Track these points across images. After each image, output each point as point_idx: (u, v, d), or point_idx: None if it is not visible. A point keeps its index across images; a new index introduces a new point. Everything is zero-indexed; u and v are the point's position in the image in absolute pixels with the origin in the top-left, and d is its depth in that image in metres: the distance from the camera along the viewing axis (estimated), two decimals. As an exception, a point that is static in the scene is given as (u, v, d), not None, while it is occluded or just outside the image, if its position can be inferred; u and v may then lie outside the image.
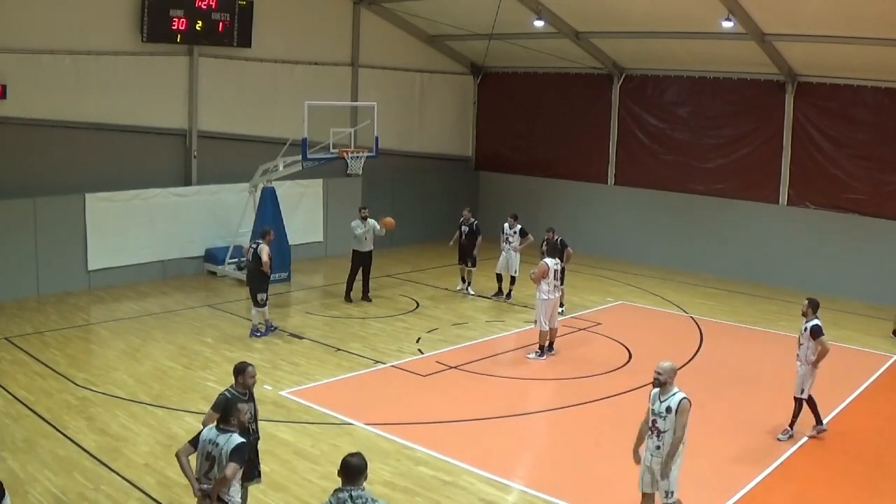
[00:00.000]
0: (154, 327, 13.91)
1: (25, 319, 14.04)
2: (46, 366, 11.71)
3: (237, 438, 5.97)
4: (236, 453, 5.91)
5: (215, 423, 6.17)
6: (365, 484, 5.20)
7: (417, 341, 13.59)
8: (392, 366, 12.32)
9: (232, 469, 5.88)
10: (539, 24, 18.05)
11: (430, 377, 11.89)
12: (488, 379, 11.99)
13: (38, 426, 9.57)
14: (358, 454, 5.24)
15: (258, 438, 7.28)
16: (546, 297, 12.85)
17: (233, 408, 6.11)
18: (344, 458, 5.20)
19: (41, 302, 15.19)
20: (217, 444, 5.97)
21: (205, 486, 6.01)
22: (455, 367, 12.28)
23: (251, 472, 7.22)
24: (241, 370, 7.08)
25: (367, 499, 5.02)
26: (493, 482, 8.58)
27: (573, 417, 10.72)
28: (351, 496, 5.00)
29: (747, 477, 8.82)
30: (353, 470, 5.11)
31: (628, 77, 20.88)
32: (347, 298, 16.10)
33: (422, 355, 12.87)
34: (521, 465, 9.47)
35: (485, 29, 18.67)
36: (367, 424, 9.95)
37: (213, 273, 17.74)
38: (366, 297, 16.25)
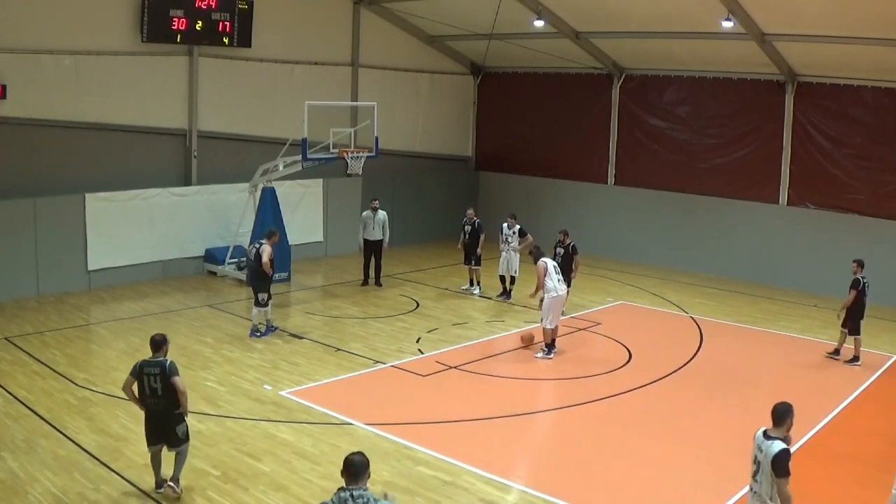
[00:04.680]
0: (154, 327, 13.80)
1: (25, 319, 14.03)
2: (46, 366, 11.71)
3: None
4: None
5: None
6: (367, 484, 5.19)
7: (417, 341, 13.59)
8: (392, 366, 12.31)
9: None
10: (539, 24, 18.05)
11: (430, 377, 11.88)
12: (488, 379, 11.99)
13: (38, 426, 9.57)
14: (359, 453, 5.23)
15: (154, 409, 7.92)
16: (555, 294, 12.81)
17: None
18: (346, 457, 5.19)
19: (41, 302, 15.18)
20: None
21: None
22: (455, 367, 12.27)
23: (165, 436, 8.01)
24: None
25: (368, 498, 4.99)
26: (493, 482, 8.57)
27: (573, 417, 10.72)
28: (352, 496, 4.97)
29: (747, 477, 8.79)
30: (354, 468, 5.10)
31: (628, 77, 20.88)
32: (364, 283, 17.35)
33: (422, 355, 12.87)
34: (521, 465, 9.47)
35: (485, 29, 18.67)
36: (367, 424, 9.95)
37: (213, 273, 17.74)
38: (377, 282, 17.31)
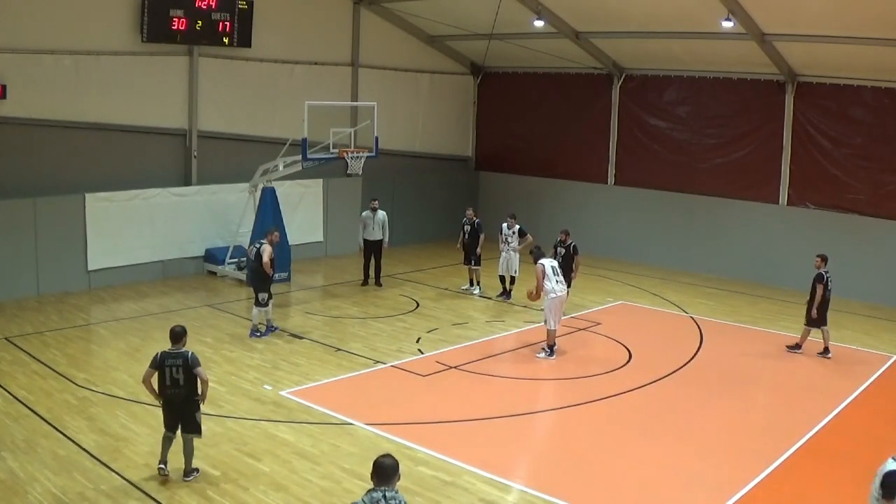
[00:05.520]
0: (154, 327, 13.88)
1: (25, 319, 14.03)
2: (46, 366, 11.71)
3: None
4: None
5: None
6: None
7: (417, 341, 13.59)
8: (392, 366, 12.31)
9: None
10: (539, 24, 18.04)
11: (430, 377, 11.88)
12: (488, 379, 11.99)
13: (38, 426, 9.57)
14: (389, 456, 5.32)
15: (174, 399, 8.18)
16: (554, 295, 12.82)
17: None
18: (376, 460, 5.28)
19: (41, 302, 15.18)
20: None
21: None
22: (455, 367, 12.27)
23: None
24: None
25: (400, 500, 5.11)
26: (493, 482, 8.58)
27: (573, 417, 10.72)
28: (384, 496, 5.08)
29: (747, 477, 8.82)
30: (385, 471, 5.20)
31: (628, 77, 20.88)
32: (364, 283, 17.38)
33: (422, 355, 12.87)
34: (521, 465, 9.47)
35: (485, 29, 18.67)
36: (367, 424, 9.95)
37: (213, 273, 17.74)
38: (377, 282, 17.34)
